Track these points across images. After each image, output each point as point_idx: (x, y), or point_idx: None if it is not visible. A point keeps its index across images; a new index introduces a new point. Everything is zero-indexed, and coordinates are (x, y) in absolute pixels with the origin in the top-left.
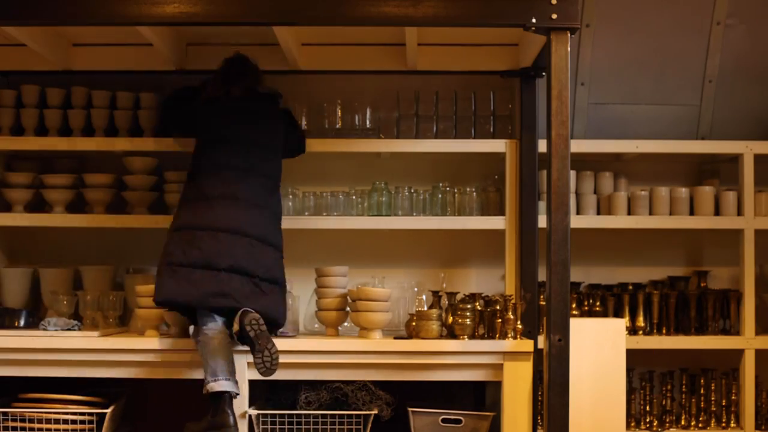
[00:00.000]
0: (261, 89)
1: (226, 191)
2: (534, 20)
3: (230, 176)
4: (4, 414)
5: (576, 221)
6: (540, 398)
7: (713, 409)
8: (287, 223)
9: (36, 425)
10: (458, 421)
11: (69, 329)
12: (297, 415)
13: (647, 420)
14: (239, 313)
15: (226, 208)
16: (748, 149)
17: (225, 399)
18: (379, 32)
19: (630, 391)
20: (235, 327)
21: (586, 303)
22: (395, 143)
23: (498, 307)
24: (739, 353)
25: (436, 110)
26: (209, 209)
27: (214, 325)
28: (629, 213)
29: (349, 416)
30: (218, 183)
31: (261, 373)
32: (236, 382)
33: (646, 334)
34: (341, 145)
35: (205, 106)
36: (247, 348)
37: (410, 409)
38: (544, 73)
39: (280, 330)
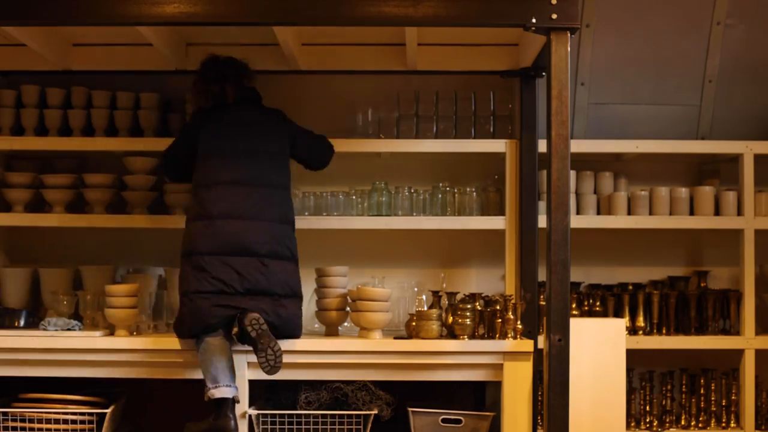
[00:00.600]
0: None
1: (227, 209)
2: (534, 20)
3: (230, 191)
4: (4, 414)
5: (576, 221)
6: (540, 398)
7: (713, 409)
8: None
9: (36, 425)
10: (458, 421)
11: (69, 329)
12: (297, 415)
13: (647, 420)
14: (238, 315)
15: (232, 227)
16: (748, 149)
17: (228, 403)
18: (379, 32)
19: (630, 391)
20: (235, 329)
21: (586, 303)
22: (395, 143)
23: (498, 307)
24: (739, 353)
25: (436, 110)
26: (214, 231)
27: (213, 333)
28: (629, 213)
29: (349, 416)
30: (219, 200)
31: (266, 372)
32: (236, 388)
33: (646, 334)
34: (341, 145)
35: (199, 121)
36: (245, 348)
37: (410, 409)
38: (544, 73)
39: None
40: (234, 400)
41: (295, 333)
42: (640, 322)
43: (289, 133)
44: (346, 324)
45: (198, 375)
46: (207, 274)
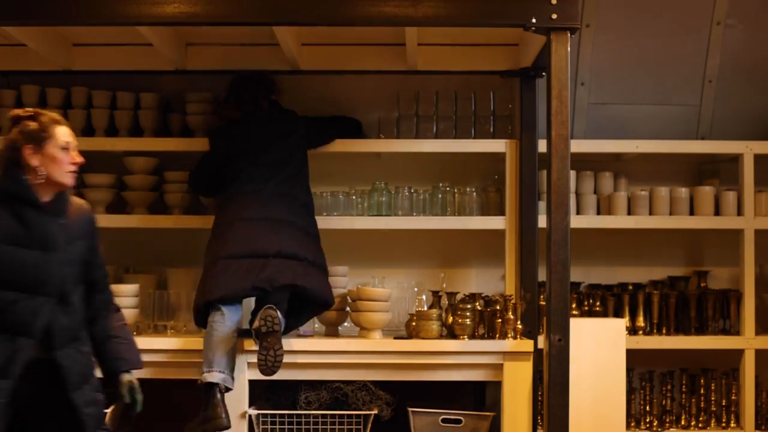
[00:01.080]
0: (273, 104)
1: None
2: (534, 20)
3: (259, 200)
4: None
5: (576, 221)
6: (540, 398)
7: (713, 409)
8: None
9: None
10: (458, 421)
11: None
12: (297, 415)
13: (647, 420)
14: (262, 309)
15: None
16: (748, 149)
17: (216, 392)
18: (379, 32)
19: (630, 391)
20: (256, 323)
21: (586, 303)
22: (395, 143)
23: (498, 307)
24: (739, 353)
25: (436, 110)
26: (252, 209)
27: (221, 319)
28: (629, 213)
29: (349, 416)
30: (250, 207)
31: (261, 371)
32: (232, 378)
33: (646, 334)
34: (341, 145)
35: (228, 133)
36: (248, 349)
37: (410, 409)
38: (544, 73)
39: (303, 329)
40: (223, 389)
41: (329, 301)
42: (640, 322)
43: (304, 141)
44: (346, 324)
45: (197, 375)
46: (243, 237)
